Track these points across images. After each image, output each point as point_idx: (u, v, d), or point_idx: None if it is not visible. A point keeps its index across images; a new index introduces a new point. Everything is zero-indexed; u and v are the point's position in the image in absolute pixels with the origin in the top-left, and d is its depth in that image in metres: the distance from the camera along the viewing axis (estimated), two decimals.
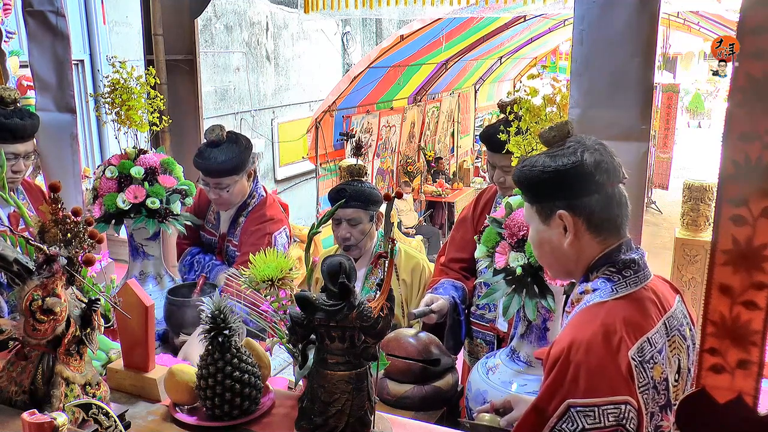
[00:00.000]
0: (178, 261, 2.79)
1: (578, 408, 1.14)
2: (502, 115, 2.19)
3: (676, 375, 1.27)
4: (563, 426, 1.15)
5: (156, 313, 1.76)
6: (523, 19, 6.66)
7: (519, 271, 1.78)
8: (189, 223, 2.55)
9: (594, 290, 1.25)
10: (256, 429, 1.56)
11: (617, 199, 1.26)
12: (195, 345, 2.01)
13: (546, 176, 1.25)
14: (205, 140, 2.46)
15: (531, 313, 1.76)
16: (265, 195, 2.64)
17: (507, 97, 2.19)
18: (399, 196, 1.59)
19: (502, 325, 2.28)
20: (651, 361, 1.19)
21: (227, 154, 2.40)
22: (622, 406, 1.13)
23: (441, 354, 2.03)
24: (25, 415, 1.23)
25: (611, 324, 1.18)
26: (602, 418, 1.13)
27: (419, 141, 8.09)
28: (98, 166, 2.50)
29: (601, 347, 1.16)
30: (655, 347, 1.20)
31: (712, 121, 18.74)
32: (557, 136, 1.29)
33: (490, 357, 2.00)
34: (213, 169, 2.41)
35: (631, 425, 1.14)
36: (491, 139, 2.19)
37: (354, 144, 2.53)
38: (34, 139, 2.46)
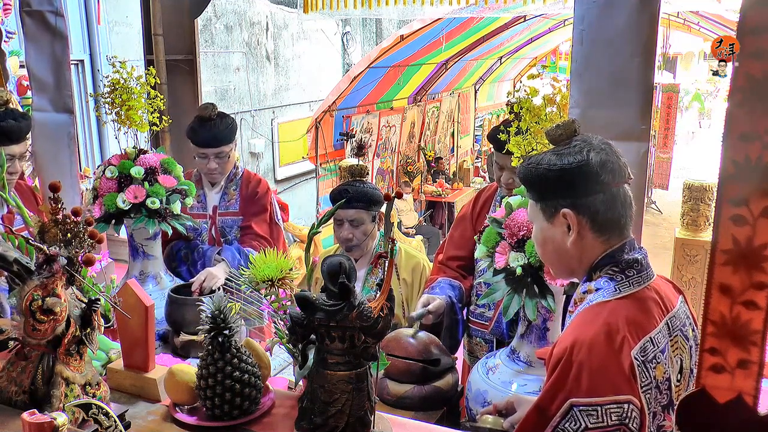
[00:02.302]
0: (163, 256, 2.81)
1: (581, 407, 1.14)
2: (511, 115, 2.18)
3: (679, 375, 1.27)
4: (566, 425, 1.14)
5: (156, 313, 1.76)
6: (523, 19, 6.66)
7: (519, 271, 1.78)
8: (190, 223, 2.55)
9: (597, 290, 1.25)
10: (256, 429, 1.56)
11: (622, 199, 1.25)
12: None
13: (551, 174, 1.24)
14: (198, 116, 2.66)
15: (531, 313, 1.76)
16: (242, 167, 2.94)
17: (508, 96, 2.18)
18: (399, 196, 1.59)
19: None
20: (653, 360, 1.19)
21: (224, 124, 2.67)
22: (625, 406, 1.13)
23: (441, 354, 2.03)
24: (25, 415, 1.23)
25: (614, 323, 1.18)
26: (605, 418, 1.13)
27: (419, 141, 8.09)
28: (98, 166, 2.50)
29: (604, 346, 1.16)
30: (658, 347, 1.20)
31: (712, 121, 18.74)
32: (564, 134, 1.29)
33: (490, 357, 2.00)
34: (219, 137, 2.65)
35: (634, 424, 1.14)
36: (500, 140, 2.15)
37: (355, 144, 2.55)
38: (29, 140, 2.46)
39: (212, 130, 2.63)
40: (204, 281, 2.40)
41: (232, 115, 2.93)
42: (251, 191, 2.81)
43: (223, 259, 2.61)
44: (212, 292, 2.32)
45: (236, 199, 2.80)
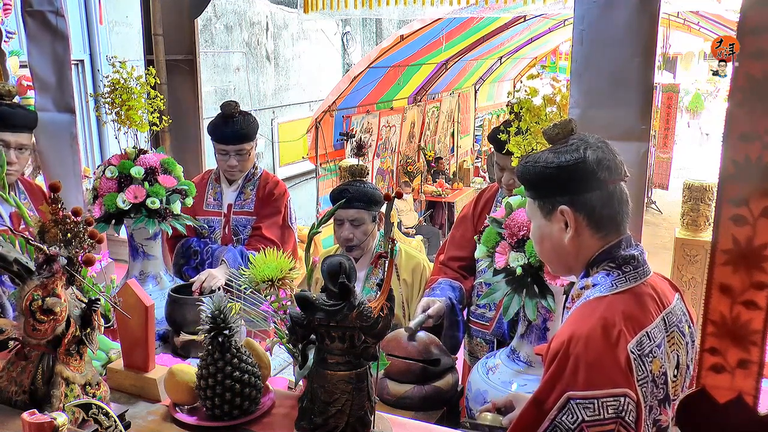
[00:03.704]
0: (171, 255, 2.84)
1: (578, 400, 1.14)
2: (511, 115, 2.17)
3: (675, 371, 1.28)
4: (563, 418, 1.15)
5: (156, 313, 1.76)
6: (523, 19, 6.66)
7: (519, 271, 1.78)
8: (189, 223, 2.56)
9: (594, 285, 1.26)
10: (256, 429, 1.56)
11: (618, 196, 1.26)
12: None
13: (549, 172, 1.25)
14: (221, 113, 2.70)
15: (531, 313, 1.76)
16: (262, 168, 2.95)
17: (508, 97, 2.18)
18: (399, 196, 1.59)
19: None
20: (650, 355, 1.19)
21: (246, 122, 2.70)
22: (621, 399, 1.14)
23: (441, 354, 2.03)
24: (25, 415, 1.23)
25: (610, 318, 1.19)
26: (601, 411, 1.14)
27: (419, 141, 8.09)
28: (98, 166, 2.50)
29: (601, 340, 1.17)
30: (654, 341, 1.21)
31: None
32: (560, 133, 1.30)
33: (490, 357, 2.00)
34: (240, 134, 2.68)
35: (630, 417, 1.14)
36: (500, 140, 2.09)
37: (355, 144, 2.56)
38: (33, 136, 2.44)
39: (233, 126, 2.67)
40: (204, 281, 2.40)
41: None
42: (267, 192, 2.82)
43: (223, 261, 2.61)
44: (212, 292, 2.32)
45: (252, 199, 2.82)
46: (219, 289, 2.35)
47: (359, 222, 2.39)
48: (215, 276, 2.44)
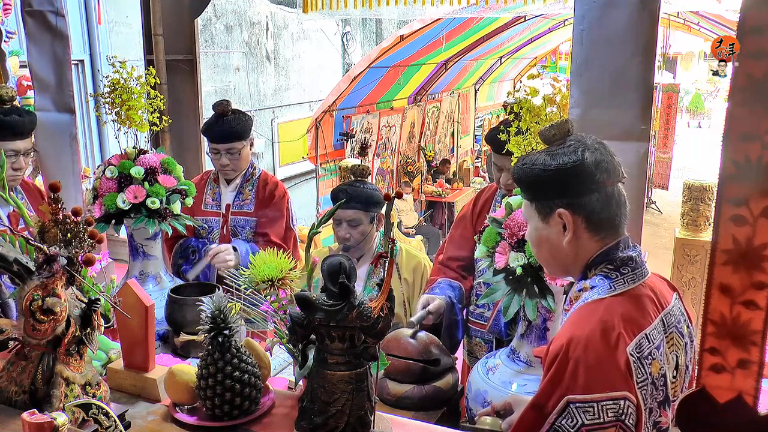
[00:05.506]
0: (170, 256, 2.86)
1: (577, 404, 1.14)
2: (511, 116, 2.17)
3: (674, 371, 1.27)
4: (562, 422, 1.15)
5: (156, 313, 1.76)
6: (523, 19, 6.67)
7: (519, 271, 1.78)
8: (189, 223, 2.56)
9: (592, 287, 1.26)
10: (256, 429, 1.56)
11: (616, 198, 1.26)
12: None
13: (546, 175, 1.25)
14: (214, 112, 2.71)
15: (531, 313, 1.76)
16: (260, 168, 2.95)
17: (509, 97, 2.18)
18: (399, 196, 1.59)
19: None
20: (649, 357, 1.19)
21: (237, 121, 2.71)
22: (621, 402, 1.14)
23: (441, 354, 2.03)
24: (25, 415, 1.23)
25: (609, 320, 1.18)
26: (601, 414, 1.13)
27: (419, 141, 8.09)
28: (98, 166, 2.50)
29: (600, 343, 1.16)
30: (653, 343, 1.21)
31: (712, 121, 18.75)
32: (557, 134, 1.29)
33: (490, 357, 2.00)
34: (230, 133, 2.68)
35: (630, 420, 1.14)
36: (498, 141, 2.10)
37: (358, 144, 2.57)
38: (33, 137, 2.47)
39: (224, 125, 2.68)
40: (222, 253, 2.51)
41: None
42: (267, 194, 2.81)
43: (235, 248, 2.63)
44: (212, 291, 2.32)
45: (251, 200, 2.82)
46: (219, 289, 2.35)
47: (356, 223, 2.39)
48: (231, 253, 2.52)
